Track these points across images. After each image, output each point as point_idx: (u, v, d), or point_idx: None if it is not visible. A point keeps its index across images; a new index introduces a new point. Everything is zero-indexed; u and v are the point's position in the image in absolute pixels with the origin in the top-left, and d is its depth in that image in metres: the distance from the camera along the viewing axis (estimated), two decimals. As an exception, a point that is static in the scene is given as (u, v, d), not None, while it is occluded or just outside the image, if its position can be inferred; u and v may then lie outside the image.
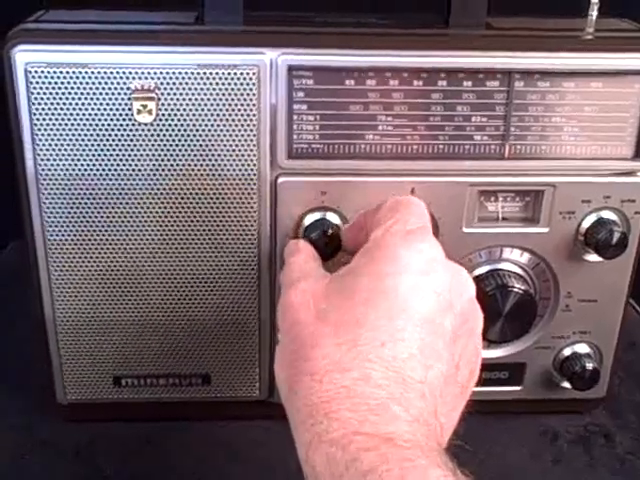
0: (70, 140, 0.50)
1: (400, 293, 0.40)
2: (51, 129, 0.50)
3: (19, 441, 0.58)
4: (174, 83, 0.49)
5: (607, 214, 0.55)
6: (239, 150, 0.51)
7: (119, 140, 0.50)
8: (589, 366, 0.58)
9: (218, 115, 0.50)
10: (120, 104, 0.49)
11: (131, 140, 0.50)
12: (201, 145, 0.51)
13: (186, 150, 0.51)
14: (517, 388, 0.61)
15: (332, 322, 0.40)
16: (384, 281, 0.41)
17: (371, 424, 0.36)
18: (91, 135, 0.50)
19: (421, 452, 0.35)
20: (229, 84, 0.50)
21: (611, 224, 0.54)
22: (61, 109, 0.49)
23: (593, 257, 0.55)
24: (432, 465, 0.35)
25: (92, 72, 0.49)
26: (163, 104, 0.50)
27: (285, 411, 0.59)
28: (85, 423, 0.59)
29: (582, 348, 0.59)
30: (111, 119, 0.50)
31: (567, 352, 0.59)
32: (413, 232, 0.43)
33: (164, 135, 0.50)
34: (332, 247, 0.52)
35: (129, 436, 0.59)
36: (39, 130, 0.50)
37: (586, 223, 0.55)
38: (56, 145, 0.50)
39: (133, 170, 0.51)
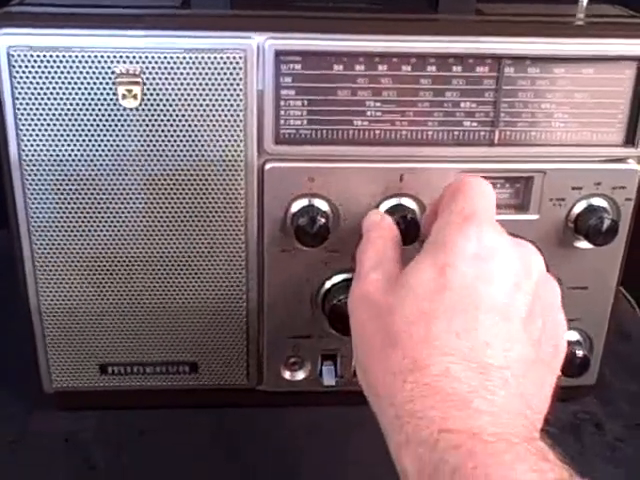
0: (54, 125, 0.49)
1: (463, 282, 0.40)
2: (34, 114, 0.49)
3: (6, 430, 0.58)
4: (159, 67, 0.49)
5: (597, 201, 0.54)
6: (226, 136, 0.51)
7: (104, 125, 0.50)
8: (579, 353, 0.57)
9: (204, 100, 0.50)
10: (105, 88, 0.49)
11: (116, 125, 0.50)
12: (187, 131, 0.50)
13: (172, 136, 0.50)
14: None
15: (404, 319, 0.40)
16: (445, 273, 0.40)
17: (457, 420, 0.36)
18: (75, 120, 0.49)
19: (507, 445, 0.35)
20: (215, 69, 0.49)
21: (601, 211, 0.54)
22: (45, 94, 0.49)
23: (583, 244, 0.55)
24: (518, 459, 0.34)
25: (76, 56, 0.48)
26: (148, 89, 0.49)
27: (273, 398, 0.59)
28: (72, 411, 0.59)
29: (572, 335, 0.59)
30: (96, 104, 0.49)
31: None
32: (468, 219, 0.42)
33: (149, 120, 0.50)
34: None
35: (119, 426, 0.59)
36: (22, 115, 0.49)
37: (576, 210, 0.54)
38: (40, 130, 0.49)
39: (118, 155, 0.50)
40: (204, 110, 0.50)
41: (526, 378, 0.39)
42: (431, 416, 0.36)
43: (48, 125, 0.49)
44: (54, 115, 0.49)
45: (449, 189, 0.45)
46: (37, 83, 0.48)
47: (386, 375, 0.39)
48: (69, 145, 0.50)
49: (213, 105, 0.50)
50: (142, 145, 0.50)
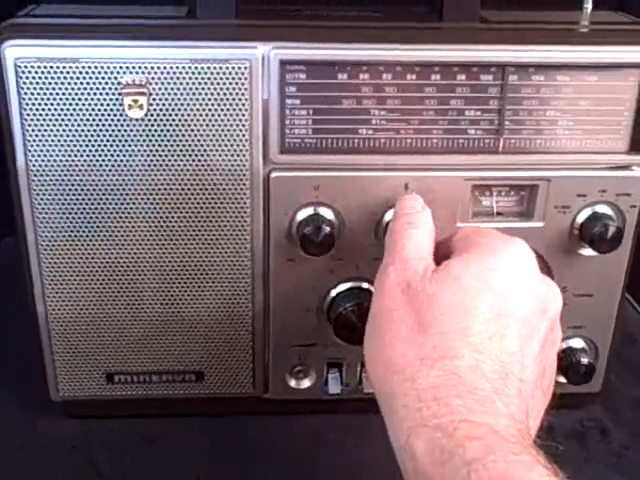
0: (61, 135, 0.50)
1: (504, 289, 0.41)
2: (42, 124, 0.49)
3: (12, 439, 0.58)
4: (165, 78, 0.49)
5: (602, 208, 0.54)
6: (231, 145, 0.51)
7: (110, 135, 0.50)
8: (584, 361, 0.58)
9: (210, 110, 0.50)
10: (111, 99, 0.49)
11: (122, 135, 0.50)
12: (193, 140, 0.50)
13: (178, 145, 0.50)
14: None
15: (442, 309, 0.41)
16: (491, 277, 0.41)
17: (479, 414, 0.37)
18: (82, 130, 0.50)
19: (523, 448, 0.35)
20: (221, 79, 0.49)
21: (606, 218, 0.54)
22: (52, 104, 0.49)
23: (588, 251, 0.55)
24: (536, 462, 0.35)
25: (83, 67, 0.48)
26: (154, 99, 0.49)
27: (279, 406, 0.59)
28: (79, 420, 0.59)
29: (577, 343, 0.59)
30: (102, 114, 0.49)
31: (562, 346, 0.59)
32: (514, 237, 0.45)
33: (155, 130, 0.50)
34: None
35: (124, 432, 0.59)
36: (29, 125, 0.49)
37: (581, 217, 0.54)
38: (47, 140, 0.50)
39: (124, 165, 0.51)
40: (210, 120, 0.50)
41: (532, 399, 0.40)
42: (454, 405, 0.37)
43: (55, 135, 0.50)
44: (61, 125, 0.49)
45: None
46: (44, 94, 0.49)
47: (414, 358, 0.39)
48: (76, 155, 0.50)
49: (219, 115, 0.50)
50: (148, 155, 0.51)
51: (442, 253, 0.45)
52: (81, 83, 0.49)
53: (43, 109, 0.49)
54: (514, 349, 0.40)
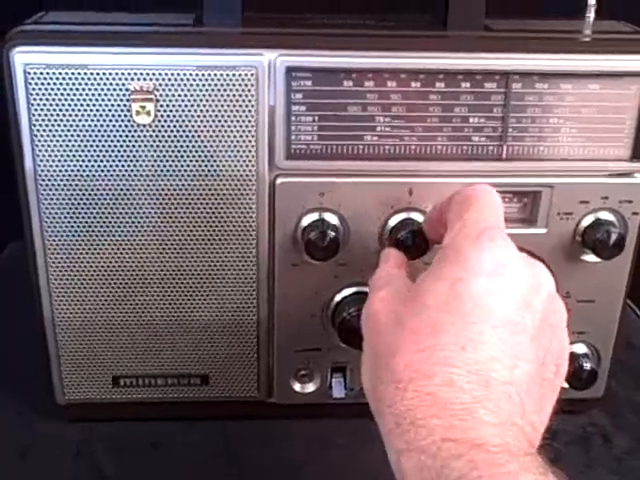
0: (69, 141, 0.50)
1: (474, 296, 0.40)
2: (50, 130, 0.50)
3: (17, 441, 0.59)
4: (172, 84, 0.49)
5: (605, 215, 0.55)
6: (237, 151, 0.51)
7: (117, 141, 0.50)
8: (587, 366, 0.58)
9: (216, 116, 0.50)
10: (119, 105, 0.50)
11: (130, 141, 0.50)
12: (199, 146, 0.51)
13: (184, 151, 0.51)
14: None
15: (411, 329, 0.40)
16: (456, 286, 0.40)
17: (459, 430, 0.36)
18: (90, 136, 0.50)
19: (510, 456, 0.35)
20: (227, 85, 0.50)
21: (609, 225, 0.54)
22: (60, 110, 0.49)
23: (591, 257, 0.56)
24: (523, 470, 0.34)
25: (91, 73, 0.49)
26: (162, 105, 0.50)
27: (283, 410, 0.59)
28: (83, 423, 0.59)
29: (580, 348, 0.59)
30: (110, 120, 0.50)
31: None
32: (483, 232, 0.42)
33: (162, 136, 0.50)
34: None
35: (129, 436, 0.59)
36: (38, 131, 0.50)
37: (584, 224, 0.55)
38: (55, 146, 0.50)
39: (132, 171, 0.51)
40: (216, 126, 0.51)
41: (528, 395, 0.39)
42: (432, 425, 0.37)
43: (63, 141, 0.50)
44: (69, 131, 0.50)
45: (458, 197, 0.45)
46: (53, 99, 0.49)
47: (389, 384, 0.39)
48: (83, 160, 0.51)
49: (225, 121, 0.50)
50: (155, 161, 0.51)
51: (439, 232, 0.46)
52: (89, 89, 0.49)
53: (52, 115, 0.50)
54: (493, 353, 0.39)
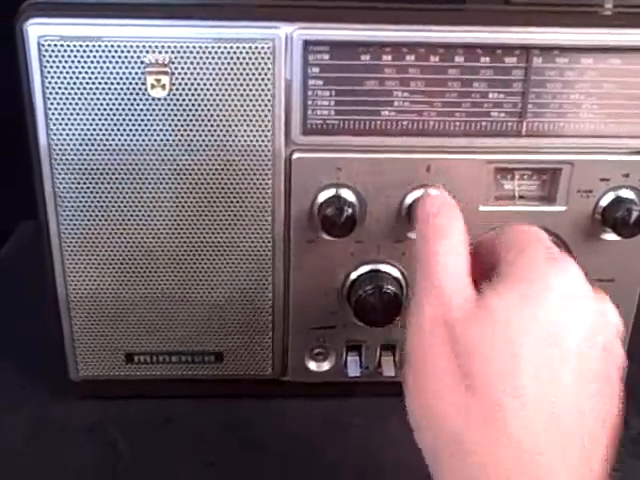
0: (83, 114, 0.50)
1: (551, 329, 0.37)
2: (64, 103, 0.49)
3: (31, 419, 0.59)
4: (188, 57, 0.49)
5: (625, 193, 0.54)
6: (253, 126, 0.51)
7: (132, 114, 0.50)
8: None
9: (232, 90, 0.50)
10: (134, 78, 0.49)
11: (144, 115, 0.50)
12: (215, 121, 0.50)
13: (200, 125, 0.50)
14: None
15: (485, 359, 0.36)
16: (534, 313, 0.37)
17: None
18: (104, 109, 0.50)
19: None
20: (243, 59, 0.49)
21: (629, 203, 0.53)
22: (74, 83, 0.49)
23: (611, 236, 0.55)
24: None
25: (106, 45, 0.48)
26: (177, 79, 0.49)
27: (297, 388, 0.59)
28: (97, 400, 0.59)
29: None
30: (124, 93, 0.49)
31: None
32: (557, 256, 0.40)
33: (177, 110, 0.50)
34: None
35: (143, 413, 0.59)
36: (52, 104, 0.49)
37: (604, 202, 0.54)
38: (69, 119, 0.50)
39: (147, 145, 0.51)
40: (232, 100, 0.50)
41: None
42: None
43: (77, 114, 0.50)
44: (83, 104, 0.49)
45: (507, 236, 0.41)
46: (67, 72, 0.49)
47: (458, 414, 0.36)
48: (98, 134, 0.50)
49: (241, 95, 0.50)
50: (170, 135, 0.50)
51: (484, 262, 0.41)
52: (104, 62, 0.48)
53: (66, 87, 0.49)
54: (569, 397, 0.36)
